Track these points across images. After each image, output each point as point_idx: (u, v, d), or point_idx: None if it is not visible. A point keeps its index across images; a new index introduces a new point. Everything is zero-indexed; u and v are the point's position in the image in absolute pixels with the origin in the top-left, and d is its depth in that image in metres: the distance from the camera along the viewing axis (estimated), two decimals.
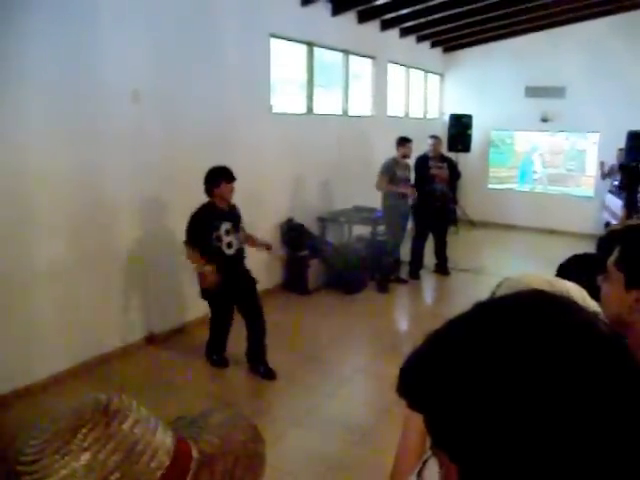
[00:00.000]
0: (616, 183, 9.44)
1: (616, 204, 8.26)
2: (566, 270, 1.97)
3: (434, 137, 8.31)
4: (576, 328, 0.66)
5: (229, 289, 5.06)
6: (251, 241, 5.35)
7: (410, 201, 7.69)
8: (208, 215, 4.93)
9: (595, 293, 1.40)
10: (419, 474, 0.78)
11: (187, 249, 4.97)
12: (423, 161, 8.09)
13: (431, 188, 8.02)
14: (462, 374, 0.66)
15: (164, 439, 0.83)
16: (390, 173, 7.55)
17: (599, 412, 0.61)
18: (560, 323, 0.67)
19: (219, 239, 4.94)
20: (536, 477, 0.61)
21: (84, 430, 0.76)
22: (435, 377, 0.69)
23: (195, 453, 0.88)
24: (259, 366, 5.23)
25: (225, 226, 4.96)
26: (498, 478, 0.63)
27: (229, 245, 4.99)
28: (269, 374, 5.17)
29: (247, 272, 5.23)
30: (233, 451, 0.94)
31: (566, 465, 0.61)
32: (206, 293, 5.09)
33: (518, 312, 0.69)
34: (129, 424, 0.79)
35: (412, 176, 7.91)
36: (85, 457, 0.74)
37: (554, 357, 0.63)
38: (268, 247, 5.45)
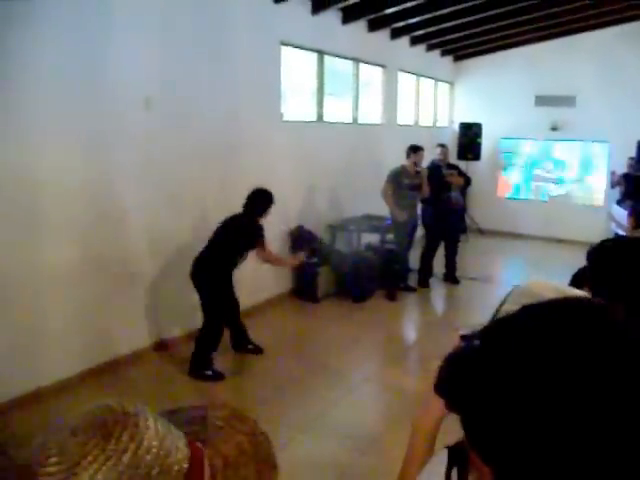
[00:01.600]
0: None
1: (621, 214, 8.21)
2: (580, 280, 1.97)
3: (442, 145, 8.32)
4: (622, 340, 0.66)
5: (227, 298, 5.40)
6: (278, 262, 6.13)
7: (405, 216, 7.64)
8: (261, 229, 5.31)
9: None
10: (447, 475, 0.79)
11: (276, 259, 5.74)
12: (436, 169, 8.07)
13: (447, 196, 8.02)
14: (503, 378, 0.66)
15: (178, 432, 0.84)
16: (396, 182, 7.55)
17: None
18: (605, 333, 0.67)
19: (244, 258, 5.30)
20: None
21: (116, 434, 0.76)
22: (475, 379, 0.70)
23: (206, 460, 0.88)
24: (246, 344, 5.77)
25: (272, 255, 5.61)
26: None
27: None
28: (257, 349, 5.79)
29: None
30: (241, 457, 0.95)
31: (602, 471, 0.61)
32: (221, 289, 5.30)
33: (564, 320, 0.69)
34: (152, 421, 0.79)
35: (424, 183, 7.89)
36: (126, 457, 0.75)
37: (597, 367, 0.63)
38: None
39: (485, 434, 0.68)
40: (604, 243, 1.80)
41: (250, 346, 5.75)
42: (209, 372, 5.22)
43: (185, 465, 0.81)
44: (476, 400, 0.69)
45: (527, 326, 0.70)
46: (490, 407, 0.67)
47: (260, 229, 5.19)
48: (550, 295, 1.03)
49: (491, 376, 0.68)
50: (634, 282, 1.55)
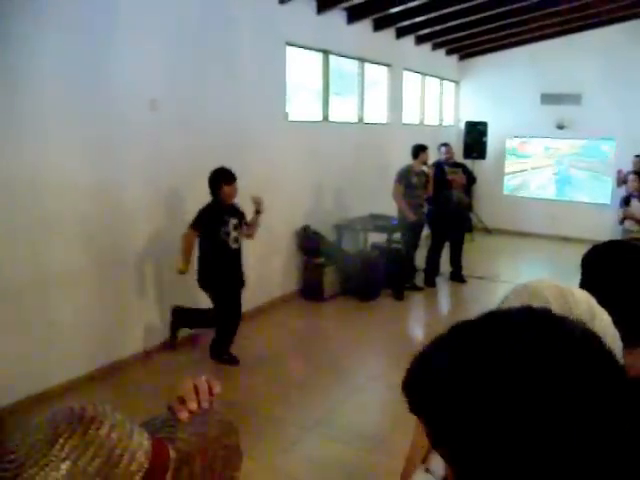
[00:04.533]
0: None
1: None
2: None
3: (446, 145, 8.34)
4: (572, 347, 0.69)
5: (232, 281, 5.39)
6: (251, 226, 5.58)
7: (413, 217, 7.67)
8: (218, 210, 5.22)
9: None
10: (424, 461, 0.81)
11: (188, 234, 5.22)
12: (439, 168, 8.09)
13: (448, 194, 8.03)
14: (459, 381, 0.69)
15: (141, 441, 0.83)
16: (405, 181, 7.59)
17: (587, 422, 0.64)
18: (554, 338, 0.69)
19: (227, 234, 5.24)
20: None
21: (61, 440, 0.76)
22: (433, 382, 0.72)
23: (172, 453, 0.88)
24: (223, 355, 5.54)
25: (233, 221, 5.29)
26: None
27: (235, 240, 5.31)
28: (233, 360, 5.52)
29: (242, 271, 5.55)
30: (209, 446, 0.95)
31: (554, 471, 0.63)
32: (205, 283, 5.36)
33: (517, 327, 0.72)
34: (105, 430, 0.79)
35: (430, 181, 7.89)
36: (65, 466, 0.74)
37: (546, 370, 0.65)
38: (258, 211, 5.57)
39: (445, 436, 0.70)
40: (596, 248, 1.79)
41: (225, 356, 5.55)
42: (225, 356, 5.52)
43: (144, 461, 0.81)
44: (435, 402, 0.71)
45: (489, 333, 0.73)
46: (449, 410, 0.69)
47: (199, 212, 5.19)
48: (549, 294, 1.04)
49: (452, 381, 0.70)
50: (625, 287, 1.55)
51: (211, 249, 5.27)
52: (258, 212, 5.53)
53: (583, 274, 1.71)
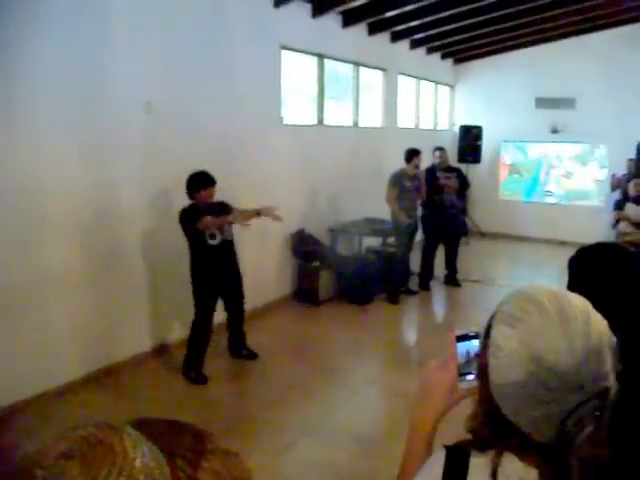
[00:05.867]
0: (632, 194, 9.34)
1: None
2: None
3: (440, 149, 8.36)
4: None
5: (214, 279, 5.25)
6: (243, 217, 5.29)
7: (407, 220, 7.67)
8: (192, 211, 5.08)
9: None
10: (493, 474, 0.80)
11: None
12: (432, 172, 8.12)
13: (440, 199, 8.04)
14: None
15: (165, 471, 0.83)
16: (398, 185, 7.59)
17: None
18: None
19: (202, 231, 5.10)
20: None
21: (119, 447, 0.77)
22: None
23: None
24: (241, 350, 5.70)
25: (207, 218, 5.08)
26: None
27: (212, 236, 5.16)
28: (251, 355, 5.71)
29: (234, 265, 5.42)
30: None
31: None
32: (196, 277, 5.24)
33: None
34: (139, 462, 0.79)
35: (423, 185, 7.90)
36: (138, 463, 0.76)
37: None
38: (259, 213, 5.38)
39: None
40: (582, 250, 1.80)
41: (245, 352, 5.70)
42: (192, 373, 5.28)
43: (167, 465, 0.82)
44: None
45: None
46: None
47: (184, 214, 5.07)
48: (544, 297, 1.04)
49: None
50: (609, 288, 1.56)
51: (191, 249, 5.18)
52: (258, 214, 5.35)
53: (570, 275, 1.72)
